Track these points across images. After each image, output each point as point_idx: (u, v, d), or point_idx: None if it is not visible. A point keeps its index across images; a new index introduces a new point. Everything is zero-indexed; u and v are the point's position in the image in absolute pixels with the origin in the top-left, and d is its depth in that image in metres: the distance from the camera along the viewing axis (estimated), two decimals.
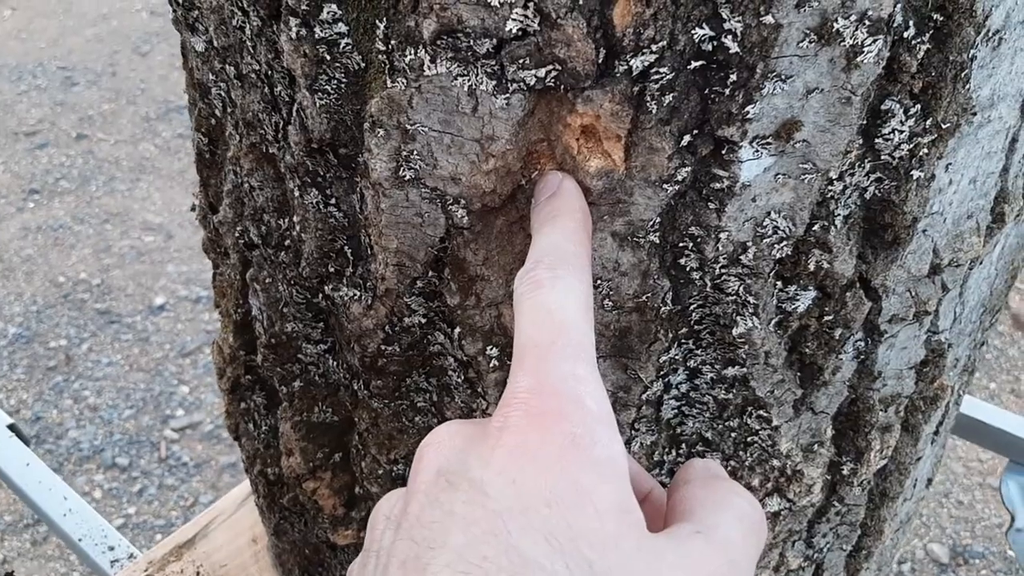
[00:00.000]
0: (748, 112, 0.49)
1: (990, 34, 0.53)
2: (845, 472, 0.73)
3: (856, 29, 0.47)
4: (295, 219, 0.63)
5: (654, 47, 0.47)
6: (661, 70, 0.48)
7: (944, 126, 0.55)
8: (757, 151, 0.51)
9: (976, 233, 0.65)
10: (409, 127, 0.52)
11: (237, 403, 0.81)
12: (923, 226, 0.61)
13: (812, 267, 0.58)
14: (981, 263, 0.71)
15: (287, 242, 0.65)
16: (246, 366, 0.78)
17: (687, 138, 0.51)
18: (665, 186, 0.52)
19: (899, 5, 0.48)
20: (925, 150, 0.55)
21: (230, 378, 0.79)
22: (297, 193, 0.61)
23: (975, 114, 0.57)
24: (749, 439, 0.66)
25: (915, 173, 0.56)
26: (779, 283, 0.58)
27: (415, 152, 0.53)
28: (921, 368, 0.73)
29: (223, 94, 0.64)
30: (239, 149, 0.64)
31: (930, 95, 0.53)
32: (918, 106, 0.53)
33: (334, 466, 0.75)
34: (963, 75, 0.53)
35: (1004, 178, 0.65)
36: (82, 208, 4.38)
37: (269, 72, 0.58)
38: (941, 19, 0.50)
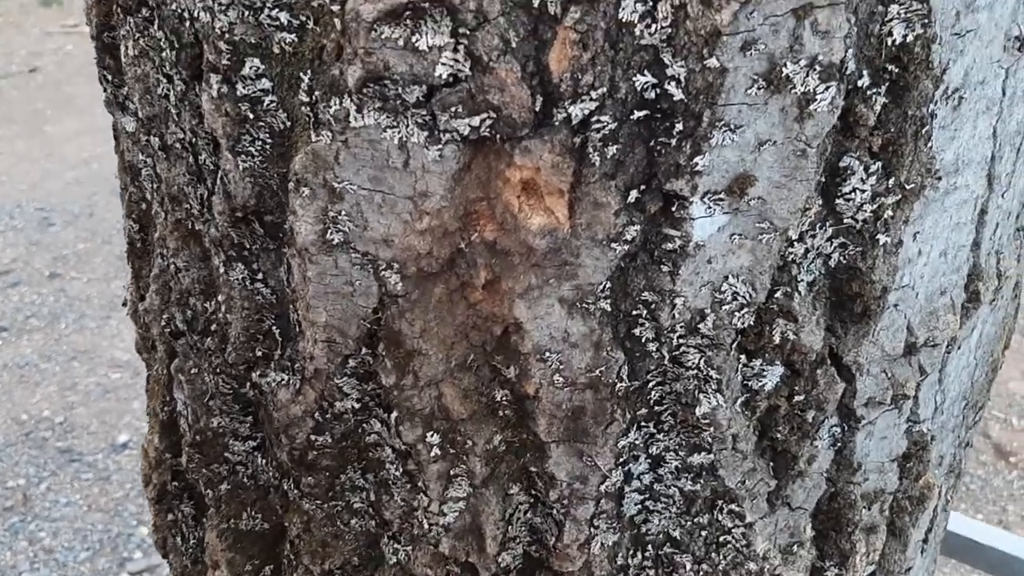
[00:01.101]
0: (697, 164, 0.46)
1: (949, 92, 0.51)
2: None
3: (807, 75, 0.45)
4: (220, 298, 0.58)
5: (594, 94, 0.44)
6: (603, 119, 0.45)
7: (908, 187, 0.52)
8: (710, 207, 0.48)
9: (951, 311, 0.61)
10: (336, 185, 0.48)
11: (164, 514, 0.74)
12: (894, 300, 0.57)
13: (777, 339, 0.53)
14: (959, 348, 0.67)
15: (213, 326, 0.61)
16: (173, 471, 0.72)
17: (634, 193, 0.47)
18: (613, 245, 0.48)
19: (851, 51, 0.45)
20: (890, 212, 0.52)
21: (156, 485, 0.73)
22: (222, 269, 0.56)
23: (940, 179, 0.54)
24: (722, 538, 0.60)
25: (881, 238, 0.53)
26: (743, 356, 0.54)
27: (343, 212, 0.49)
28: (904, 463, 0.67)
29: (151, 171, 0.61)
30: (165, 227, 0.60)
31: (891, 152, 0.50)
32: (879, 164, 0.50)
33: None
34: (924, 132, 0.50)
35: (976, 253, 0.61)
36: (50, 345, 4.31)
37: (193, 139, 0.54)
38: (896, 71, 0.47)
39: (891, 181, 0.51)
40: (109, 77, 0.61)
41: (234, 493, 0.66)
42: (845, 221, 0.52)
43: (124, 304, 0.76)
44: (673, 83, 0.44)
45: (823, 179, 0.50)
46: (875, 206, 0.51)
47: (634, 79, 0.44)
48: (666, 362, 0.53)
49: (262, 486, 0.65)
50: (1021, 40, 0.53)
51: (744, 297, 0.51)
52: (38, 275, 5.04)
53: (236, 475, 0.65)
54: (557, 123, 0.45)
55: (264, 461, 0.64)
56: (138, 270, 0.72)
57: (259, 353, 0.58)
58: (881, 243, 0.53)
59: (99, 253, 5.13)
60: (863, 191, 0.50)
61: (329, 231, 0.49)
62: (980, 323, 0.69)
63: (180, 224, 0.59)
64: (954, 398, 0.71)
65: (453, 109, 0.44)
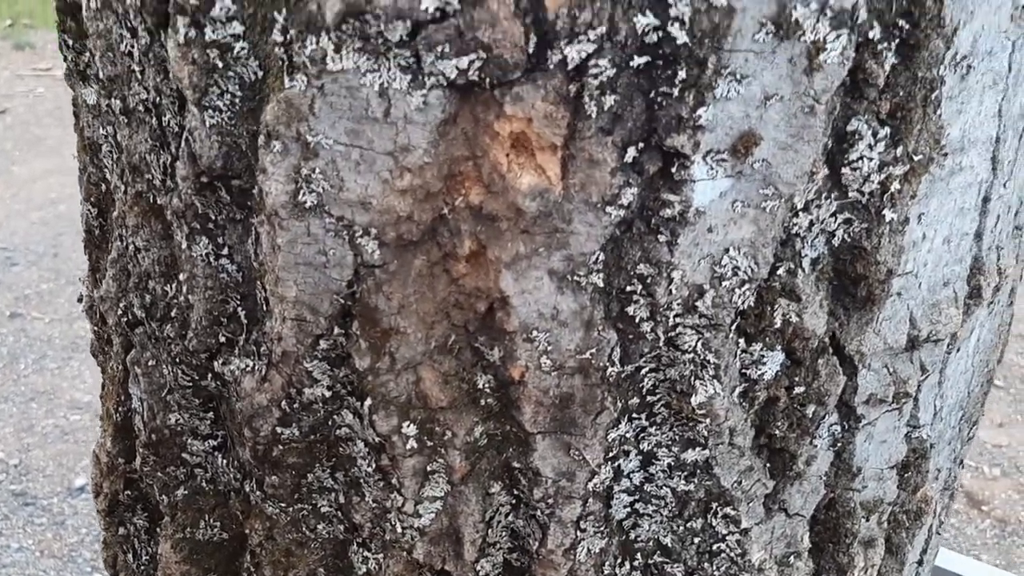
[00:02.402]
0: (700, 117, 0.43)
1: (958, 58, 0.48)
2: None
3: (817, 21, 0.42)
4: (182, 278, 0.54)
5: (592, 34, 0.41)
6: (600, 63, 0.42)
7: (916, 158, 0.49)
8: (712, 168, 0.45)
9: (954, 304, 0.58)
10: (311, 139, 0.44)
11: (115, 528, 0.69)
12: (898, 287, 0.54)
13: (779, 321, 0.50)
14: (958, 351, 0.64)
15: (173, 312, 0.56)
16: (126, 478, 0.66)
17: (632, 152, 0.44)
18: (608, 209, 0.45)
19: None
20: (897, 185, 0.49)
21: (108, 495, 0.67)
22: (185, 244, 0.52)
23: (946, 155, 0.52)
24: (715, 546, 0.56)
25: (887, 214, 0.50)
26: (742, 340, 0.50)
27: (317, 171, 0.45)
28: (903, 472, 0.64)
29: (111, 142, 0.57)
30: (124, 203, 0.56)
31: (899, 119, 0.48)
32: (887, 130, 0.48)
33: None
34: (933, 98, 0.48)
35: (978, 245, 0.59)
36: (8, 386, 4.19)
37: (158, 99, 0.51)
38: (907, 27, 0.45)
39: (899, 150, 0.48)
40: (70, 42, 0.58)
41: (191, 499, 0.61)
42: (850, 194, 0.49)
43: (80, 300, 0.71)
44: (677, 24, 0.41)
45: (830, 144, 0.47)
46: (882, 177, 0.48)
47: (635, 19, 0.41)
48: (661, 344, 0.49)
49: (222, 491, 0.60)
50: None
51: (745, 272, 0.48)
52: None
53: (194, 478, 0.60)
54: (551, 67, 0.42)
55: (225, 462, 0.59)
56: (95, 261, 0.67)
57: (222, 338, 0.54)
58: (887, 220, 0.50)
59: (62, 294, 5.03)
60: (870, 159, 0.48)
61: (301, 192, 0.46)
62: (978, 326, 0.66)
63: (141, 197, 0.55)
64: (952, 406, 0.68)
65: (440, 48, 0.41)
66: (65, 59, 0.60)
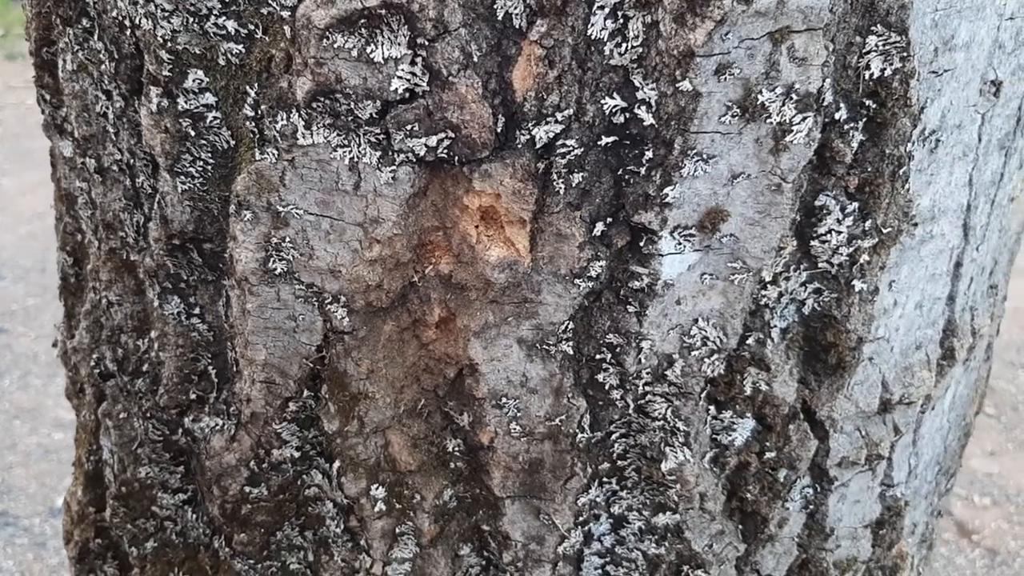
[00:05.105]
0: (667, 195, 0.43)
1: (926, 133, 0.49)
2: None
3: (783, 104, 0.42)
4: (154, 335, 0.54)
5: (559, 115, 0.41)
6: (568, 143, 0.42)
7: (885, 231, 0.49)
8: (679, 243, 0.45)
9: (927, 367, 0.59)
10: (281, 209, 0.44)
11: (86, 575, 0.68)
12: (869, 352, 0.54)
13: (748, 389, 0.50)
14: (933, 409, 0.64)
15: (145, 367, 0.56)
16: (97, 527, 0.66)
17: (600, 226, 0.44)
18: (577, 281, 0.45)
19: (828, 81, 0.43)
20: (866, 257, 0.49)
21: (78, 543, 0.67)
22: (157, 303, 0.52)
23: (916, 225, 0.52)
24: None
25: (857, 284, 0.50)
26: (712, 408, 0.50)
27: (288, 239, 0.45)
28: (877, 530, 0.64)
29: (86, 197, 0.57)
30: (98, 258, 0.56)
31: (867, 193, 0.48)
32: (855, 205, 0.48)
33: None
34: (901, 173, 0.48)
35: (951, 308, 0.59)
36: None
37: (131, 160, 0.51)
38: (874, 106, 0.45)
39: (868, 224, 0.48)
40: (47, 97, 0.58)
41: (161, 551, 0.60)
42: (820, 265, 0.49)
43: (54, 345, 0.71)
44: (643, 107, 0.41)
45: (798, 218, 0.47)
46: (851, 249, 0.49)
47: (602, 101, 0.41)
48: (631, 412, 0.49)
49: (191, 544, 0.60)
50: (997, 84, 0.52)
51: (715, 342, 0.48)
52: None
53: (164, 531, 0.60)
54: (520, 146, 0.42)
55: (195, 516, 0.59)
56: (71, 308, 0.67)
57: (193, 396, 0.54)
58: (857, 290, 0.50)
59: (48, 309, 5.01)
60: (839, 232, 0.48)
61: (272, 259, 0.46)
62: (954, 384, 0.66)
63: (114, 254, 0.55)
64: (928, 462, 0.68)
65: (409, 127, 0.41)
66: (43, 111, 0.60)
